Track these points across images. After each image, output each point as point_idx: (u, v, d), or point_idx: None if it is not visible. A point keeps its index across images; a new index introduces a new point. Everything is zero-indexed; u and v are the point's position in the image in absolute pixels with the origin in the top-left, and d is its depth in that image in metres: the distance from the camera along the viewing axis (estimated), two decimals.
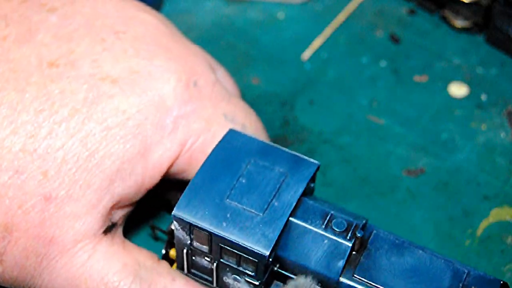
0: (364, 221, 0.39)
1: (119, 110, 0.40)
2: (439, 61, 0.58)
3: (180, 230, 0.39)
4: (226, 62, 0.57)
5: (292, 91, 0.56)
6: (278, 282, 0.40)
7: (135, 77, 0.41)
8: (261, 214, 0.38)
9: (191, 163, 0.42)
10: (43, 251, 0.39)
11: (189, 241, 0.39)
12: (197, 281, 0.42)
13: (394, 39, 0.59)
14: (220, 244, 0.38)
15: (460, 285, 0.38)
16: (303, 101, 0.55)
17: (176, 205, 0.39)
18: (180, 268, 0.42)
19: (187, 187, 0.39)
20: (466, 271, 0.38)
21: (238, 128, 0.43)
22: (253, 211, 0.38)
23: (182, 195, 0.39)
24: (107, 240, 0.40)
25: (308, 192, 0.41)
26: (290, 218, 0.39)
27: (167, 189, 0.46)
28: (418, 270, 0.38)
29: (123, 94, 0.41)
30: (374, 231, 0.40)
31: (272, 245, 0.37)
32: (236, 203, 0.39)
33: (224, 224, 0.38)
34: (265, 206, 0.38)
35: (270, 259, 0.38)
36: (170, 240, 0.43)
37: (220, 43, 0.59)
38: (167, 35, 0.44)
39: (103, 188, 0.40)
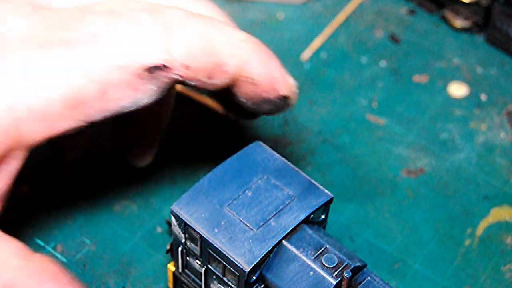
0: (359, 264, 0.38)
1: None
2: (439, 61, 0.58)
3: (177, 226, 0.39)
4: None
5: None
6: None
7: None
8: (254, 230, 0.38)
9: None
10: None
11: (183, 240, 0.39)
12: (189, 283, 0.41)
13: (394, 39, 0.59)
14: (208, 250, 0.38)
15: None
16: (303, 101, 0.55)
17: (177, 200, 0.39)
18: (175, 266, 0.41)
19: (193, 186, 0.39)
20: None
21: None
22: (247, 225, 0.38)
23: (185, 193, 0.39)
24: None
25: (315, 222, 0.40)
26: (284, 242, 0.38)
27: None
28: None
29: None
30: (368, 278, 0.38)
31: (255, 263, 0.37)
32: (234, 213, 0.38)
33: (216, 231, 0.38)
34: (261, 224, 0.38)
35: (253, 277, 0.38)
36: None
37: None
38: None
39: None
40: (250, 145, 0.41)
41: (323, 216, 0.41)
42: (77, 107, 0.37)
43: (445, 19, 0.60)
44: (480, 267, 0.47)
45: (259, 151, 0.41)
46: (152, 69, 0.38)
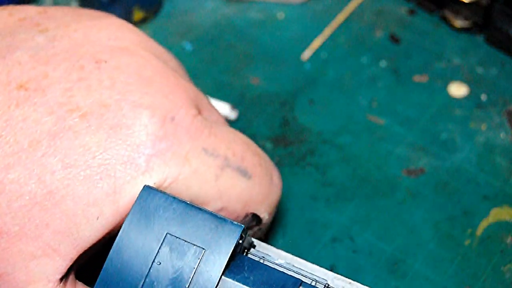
0: None
1: (85, 148, 0.38)
2: (439, 61, 0.58)
3: None
4: (226, 62, 0.58)
5: (292, 91, 0.56)
6: None
7: (104, 111, 0.39)
8: None
9: None
10: None
11: None
12: None
13: (394, 39, 0.59)
14: None
15: None
16: (303, 101, 0.55)
17: None
18: None
19: (98, 277, 0.36)
20: None
21: (220, 161, 0.41)
22: None
23: None
24: (61, 285, 0.38)
25: (240, 252, 0.38)
26: None
27: None
28: None
29: (90, 130, 0.38)
30: None
31: None
32: None
33: None
34: None
35: None
36: None
37: (220, 43, 0.59)
38: (155, 68, 0.41)
39: (65, 231, 0.37)
40: (141, 193, 0.38)
41: (245, 239, 0.38)
42: None
43: (445, 19, 0.60)
44: (480, 267, 0.47)
45: (151, 199, 0.37)
46: None
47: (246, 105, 0.55)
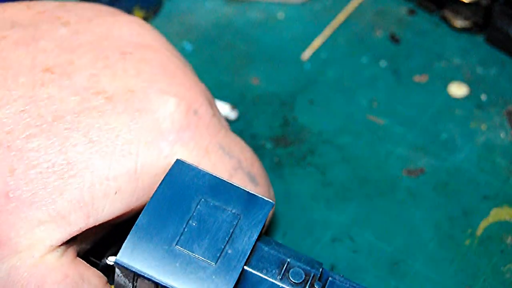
0: (321, 269, 0.37)
1: (109, 126, 0.39)
2: (439, 61, 0.58)
3: (122, 277, 0.36)
4: (226, 62, 0.58)
5: (292, 91, 0.56)
6: None
7: (130, 96, 0.40)
8: (213, 264, 0.35)
9: None
10: None
11: None
12: None
13: (394, 39, 0.59)
14: None
15: None
16: (303, 101, 0.55)
17: (120, 251, 0.35)
18: None
19: (131, 230, 0.36)
20: None
21: (234, 162, 0.42)
22: (205, 260, 0.35)
23: (126, 240, 0.36)
24: (60, 251, 0.38)
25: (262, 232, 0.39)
26: (245, 267, 0.36)
27: None
28: None
29: (115, 111, 0.39)
30: (330, 279, 0.38)
31: None
32: (186, 250, 0.36)
33: (174, 274, 0.35)
34: (218, 254, 0.36)
35: None
36: (105, 274, 0.40)
37: (220, 43, 0.59)
38: (176, 64, 0.43)
39: (79, 201, 0.38)
40: (173, 166, 0.39)
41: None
42: None
43: (445, 19, 0.60)
44: (480, 267, 0.47)
45: (184, 171, 0.38)
46: None
47: (246, 105, 0.55)
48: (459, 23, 0.59)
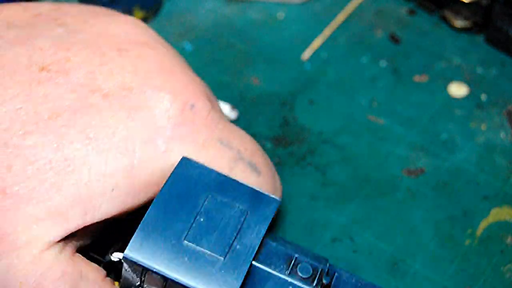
0: (328, 265, 0.38)
1: (106, 124, 0.39)
2: (439, 61, 0.58)
3: (130, 272, 0.36)
4: (226, 62, 0.58)
5: (292, 91, 0.56)
6: None
7: (126, 93, 0.40)
8: (222, 258, 0.36)
9: None
10: None
11: (138, 283, 0.37)
12: None
13: (394, 39, 0.59)
14: None
15: None
16: (303, 101, 0.55)
17: (128, 245, 0.36)
18: None
19: (139, 225, 0.37)
20: None
21: (234, 153, 0.42)
22: (213, 254, 0.36)
23: (134, 235, 0.36)
24: (57, 247, 0.38)
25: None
26: (253, 262, 0.37)
27: None
28: None
29: (112, 109, 0.39)
30: (336, 274, 0.38)
31: None
32: (194, 245, 0.36)
33: (182, 269, 0.35)
34: (226, 249, 0.36)
35: None
36: (108, 270, 0.40)
37: (220, 43, 0.59)
38: (172, 61, 0.43)
39: (76, 197, 0.38)
40: (179, 164, 0.39)
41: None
42: None
43: (445, 19, 0.60)
44: (480, 267, 0.47)
45: (191, 168, 0.39)
46: None
47: (246, 105, 0.55)
48: (459, 23, 0.59)
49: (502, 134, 0.53)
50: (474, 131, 0.54)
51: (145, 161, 0.39)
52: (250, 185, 0.38)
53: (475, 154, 0.52)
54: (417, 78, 0.57)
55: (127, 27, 0.43)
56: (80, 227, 0.38)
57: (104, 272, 0.40)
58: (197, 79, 0.44)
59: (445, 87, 0.56)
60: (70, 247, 0.39)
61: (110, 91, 0.40)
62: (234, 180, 0.39)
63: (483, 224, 0.49)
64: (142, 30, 0.44)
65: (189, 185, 0.38)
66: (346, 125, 0.54)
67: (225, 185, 0.38)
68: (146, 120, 0.40)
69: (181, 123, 0.41)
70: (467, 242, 0.48)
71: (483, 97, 0.56)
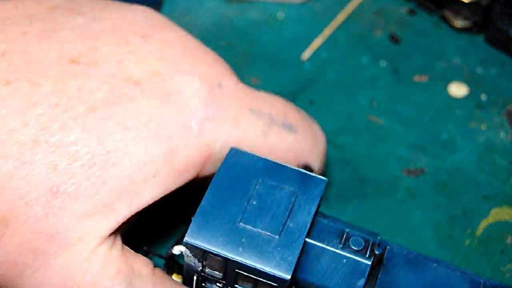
0: (378, 237, 0.39)
1: (141, 112, 0.39)
2: (439, 61, 0.58)
3: (192, 257, 0.38)
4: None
5: (292, 91, 0.56)
6: None
7: (158, 79, 0.41)
8: (277, 237, 0.37)
9: None
10: (42, 247, 0.37)
11: (200, 268, 0.38)
12: None
13: (394, 39, 0.59)
14: (236, 270, 0.37)
15: None
16: (303, 101, 0.55)
17: (187, 232, 0.37)
18: None
19: (196, 212, 0.38)
20: (482, 281, 0.38)
21: (266, 119, 0.43)
22: (268, 234, 0.37)
23: (192, 221, 0.38)
24: (109, 242, 0.39)
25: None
26: (306, 239, 0.38)
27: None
28: (437, 285, 0.38)
29: (144, 96, 0.40)
30: (388, 247, 0.39)
31: (293, 269, 0.36)
32: (250, 226, 0.37)
33: (240, 249, 0.37)
34: (280, 228, 0.37)
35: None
36: (169, 264, 0.41)
37: (220, 43, 0.59)
38: (194, 43, 0.44)
39: (121, 188, 0.38)
40: (229, 153, 0.40)
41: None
42: None
43: (445, 19, 0.60)
44: (480, 267, 0.47)
45: (240, 157, 0.40)
46: None
47: None
48: (459, 23, 0.59)
49: (502, 134, 0.53)
50: (474, 131, 0.54)
51: (181, 144, 0.40)
52: (297, 168, 0.40)
53: (475, 154, 0.52)
54: (417, 78, 0.57)
55: (144, 14, 0.44)
56: (127, 218, 0.39)
57: (151, 263, 0.41)
58: (219, 57, 0.45)
59: (445, 87, 0.56)
60: (119, 241, 0.40)
61: (141, 79, 0.40)
62: (282, 165, 0.40)
63: (483, 224, 0.49)
64: (157, 16, 0.45)
65: (239, 172, 0.39)
66: (346, 125, 0.54)
67: (274, 170, 0.40)
68: (178, 104, 0.41)
69: (211, 103, 0.41)
70: (467, 242, 0.48)
71: (483, 97, 0.56)
